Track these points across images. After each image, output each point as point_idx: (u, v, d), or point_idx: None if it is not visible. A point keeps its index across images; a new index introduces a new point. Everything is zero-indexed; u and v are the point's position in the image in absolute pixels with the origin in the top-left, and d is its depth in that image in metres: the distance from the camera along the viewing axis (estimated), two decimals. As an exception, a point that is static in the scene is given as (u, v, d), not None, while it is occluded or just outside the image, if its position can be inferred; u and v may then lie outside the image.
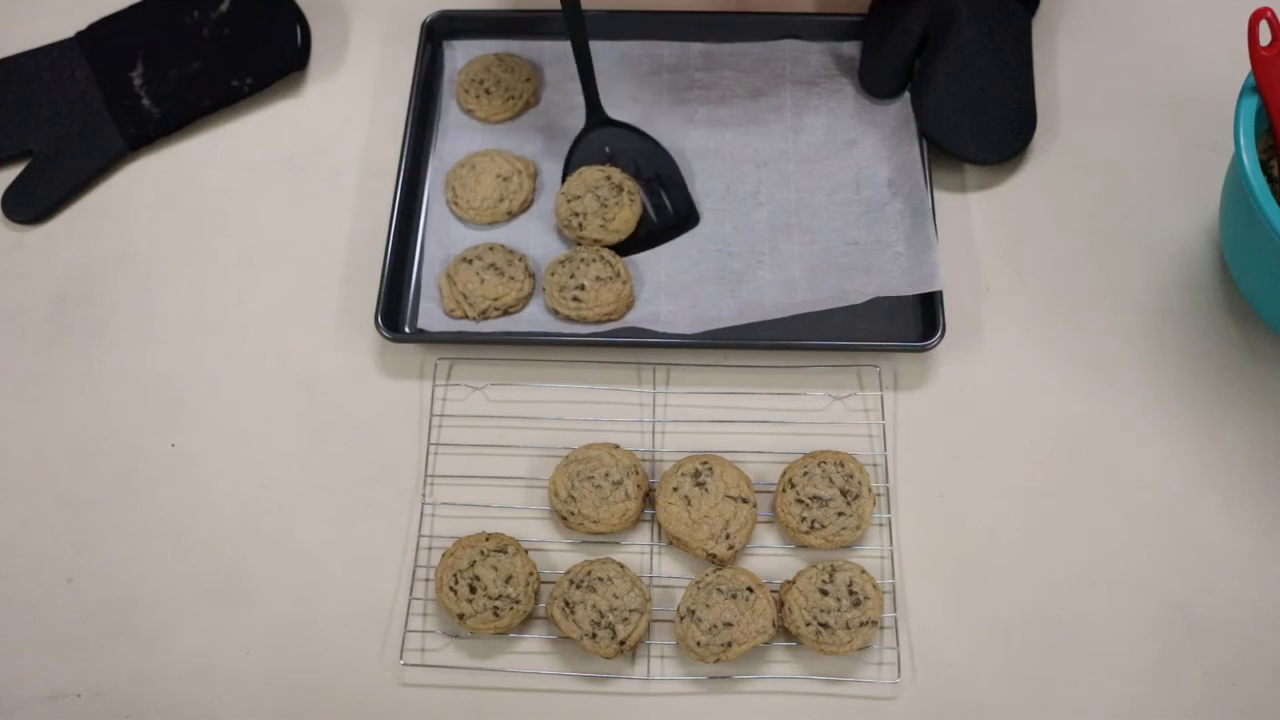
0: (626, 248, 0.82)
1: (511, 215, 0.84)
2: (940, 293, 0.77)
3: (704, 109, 0.88)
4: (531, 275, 0.81)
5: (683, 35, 0.91)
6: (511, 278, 0.80)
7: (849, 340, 0.78)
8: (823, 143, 0.87)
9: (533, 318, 0.80)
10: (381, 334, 0.78)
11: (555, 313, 0.80)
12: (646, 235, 0.83)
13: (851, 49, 0.90)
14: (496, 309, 0.80)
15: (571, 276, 0.79)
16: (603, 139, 0.84)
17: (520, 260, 0.81)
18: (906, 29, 0.85)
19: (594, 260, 0.80)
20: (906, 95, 0.86)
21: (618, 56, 0.90)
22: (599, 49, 0.89)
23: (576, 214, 0.80)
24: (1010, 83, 0.84)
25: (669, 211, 0.84)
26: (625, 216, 0.80)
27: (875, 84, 0.87)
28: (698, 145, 0.87)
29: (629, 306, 0.80)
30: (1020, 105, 0.85)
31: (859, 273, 0.80)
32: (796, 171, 0.86)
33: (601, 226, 0.80)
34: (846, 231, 0.83)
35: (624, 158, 0.84)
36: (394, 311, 0.80)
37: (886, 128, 0.86)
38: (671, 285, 0.81)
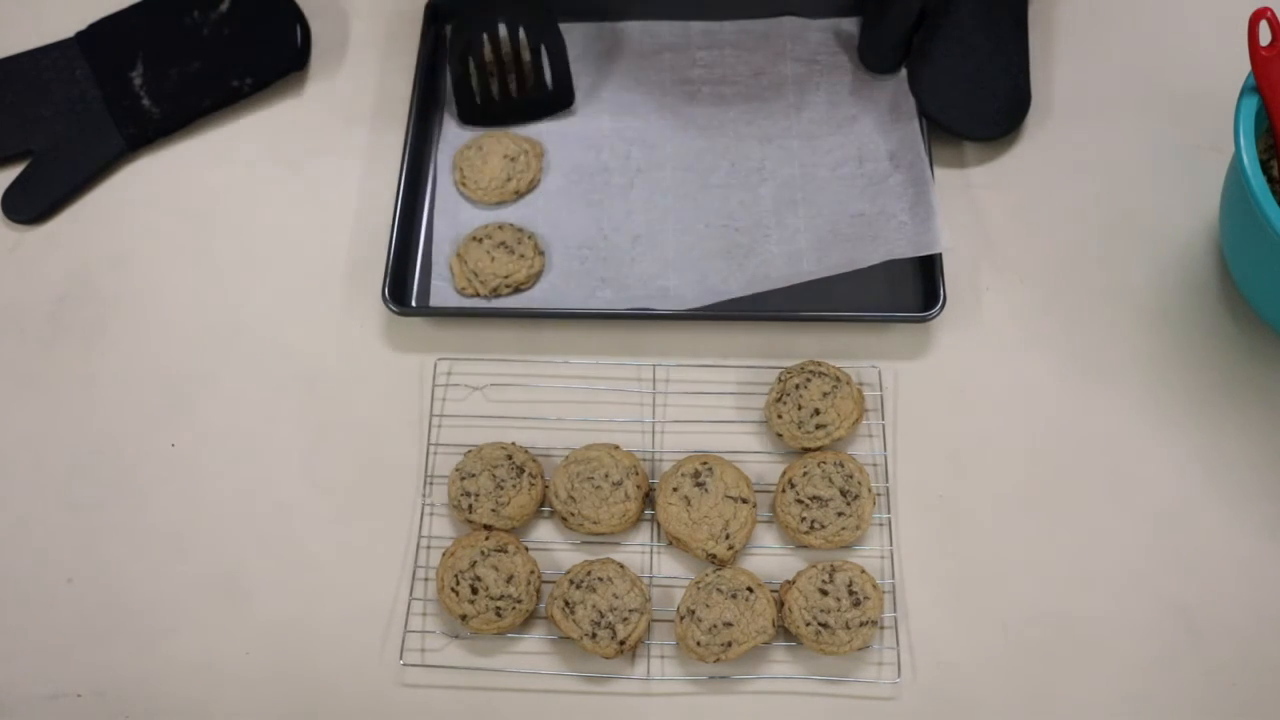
0: (499, 118, 0.86)
1: (519, 195, 0.85)
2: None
3: (707, 87, 0.89)
4: (541, 253, 0.82)
5: (683, 14, 0.92)
6: (521, 255, 0.81)
7: (849, 323, 0.80)
8: (824, 118, 0.88)
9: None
10: (389, 307, 0.78)
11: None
12: (522, 106, 0.87)
13: (850, 25, 0.91)
14: (508, 286, 0.80)
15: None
16: (493, 4, 0.84)
17: (530, 238, 0.82)
18: (906, 5, 0.85)
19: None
20: (904, 71, 0.87)
21: (618, 37, 0.91)
22: (598, 30, 0.90)
23: (468, 494, 0.73)
24: (1005, 61, 0.85)
25: (546, 87, 0.87)
26: (521, 502, 0.72)
27: (874, 59, 0.88)
28: (701, 123, 0.88)
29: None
30: (1014, 84, 0.85)
31: (865, 241, 0.81)
32: (800, 147, 0.86)
33: (493, 511, 0.72)
34: (851, 204, 0.83)
35: (512, 25, 0.84)
36: (400, 289, 0.81)
37: (886, 103, 0.87)
38: (679, 261, 0.82)
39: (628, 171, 0.86)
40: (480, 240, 0.81)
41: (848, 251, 0.80)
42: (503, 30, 0.85)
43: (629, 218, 0.84)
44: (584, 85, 0.89)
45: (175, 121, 0.89)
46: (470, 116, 0.87)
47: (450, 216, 0.85)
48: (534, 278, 0.81)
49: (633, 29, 0.92)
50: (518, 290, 0.81)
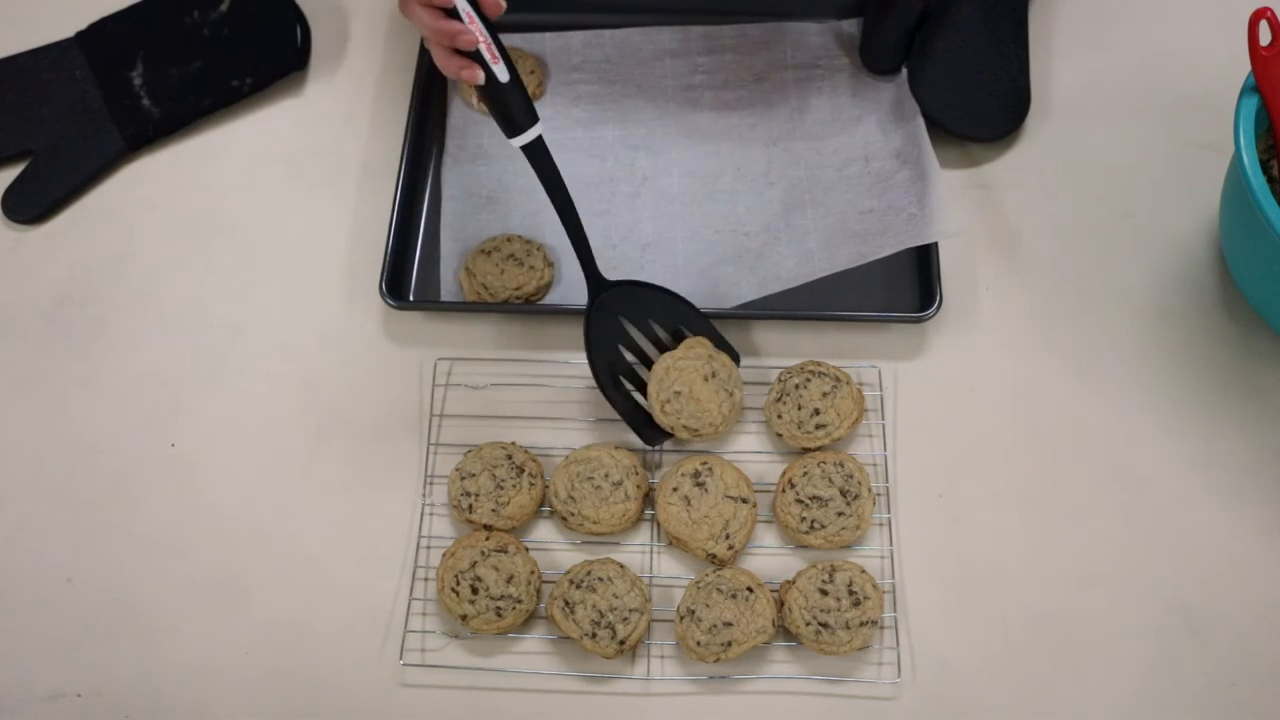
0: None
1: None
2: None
3: (709, 93, 0.89)
4: (550, 264, 0.81)
5: (682, 19, 0.92)
6: (531, 267, 0.80)
7: (848, 323, 0.80)
8: (828, 120, 0.88)
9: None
10: (386, 302, 0.78)
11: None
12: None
13: (850, 27, 0.91)
14: (518, 298, 0.80)
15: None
16: (613, 306, 0.74)
17: (539, 249, 0.81)
18: (908, 4, 0.85)
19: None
20: (905, 72, 0.87)
21: (619, 44, 0.91)
22: (598, 38, 0.90)
23: (468, 494, 0.73)
24: (1005, 63, 0.85)
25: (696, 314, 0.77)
26: (521, 502, 0.72)
27: (876, 60, 0.88)
28: (705, 128, 0.88)
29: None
30: (1014, 86, 0.86)
31: (875, 236, 0.80)
32: (805, 150, 0.87)
33: (493, 511, 0.72)
34: (859, 202, 0.83)
35: (640, 320, 0.75)
36: (398, 284, 0.81)
37: (889, 103, 0.87)
38: (689, 268, 0.82)
39: (634, 180, 0.86)
40: (489, 253, 0.81)
41: (858, 246, 0.80)
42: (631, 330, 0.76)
43: (637, 226, 0.84)
44: (585, 94, 0.89)
45: (175, 121, 0.89)
46: (655, 438, 0.75)
47: (457, 230, 0.84)
48: (544, 289, 0.81)
49: (632, 36, 0.92)
50: (528, 302, 0.80)
